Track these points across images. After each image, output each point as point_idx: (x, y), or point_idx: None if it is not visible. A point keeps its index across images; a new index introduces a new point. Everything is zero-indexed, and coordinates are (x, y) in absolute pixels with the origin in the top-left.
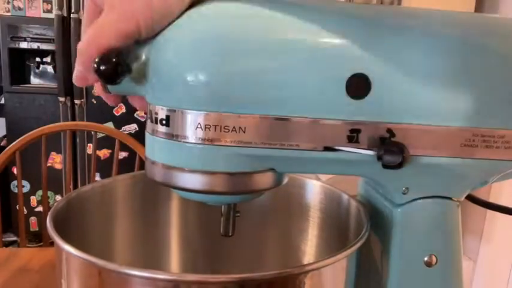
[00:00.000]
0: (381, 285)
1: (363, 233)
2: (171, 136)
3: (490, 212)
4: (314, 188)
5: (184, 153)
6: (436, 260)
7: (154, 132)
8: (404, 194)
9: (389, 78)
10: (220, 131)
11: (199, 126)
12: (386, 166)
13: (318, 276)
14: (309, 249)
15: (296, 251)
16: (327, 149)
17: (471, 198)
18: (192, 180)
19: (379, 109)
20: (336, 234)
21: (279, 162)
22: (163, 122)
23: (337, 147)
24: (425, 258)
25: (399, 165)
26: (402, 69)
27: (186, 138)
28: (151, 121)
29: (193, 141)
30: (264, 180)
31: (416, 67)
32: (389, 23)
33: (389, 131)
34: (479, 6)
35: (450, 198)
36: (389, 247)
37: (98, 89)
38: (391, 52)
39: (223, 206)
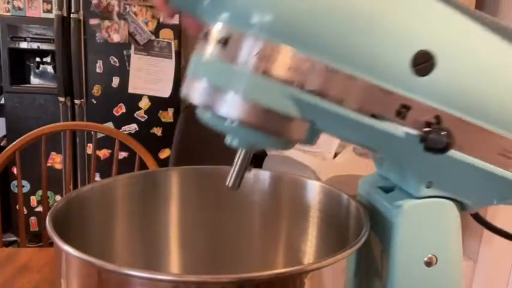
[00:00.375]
0: (380, 285)
1: (363, 233)
2: (225, 58)
3: (490, 213)
4: (314, 188)
5: (234, 76)
6: (436, 260)
7: (207, 52)
8: (427, 187)
9: (453, 63)
10: (276, 64)
11: (256, 53)
12: (428, 148)
13: (317, 277)
14: (309, 249)
15: (296, 251)
16: (374, 116)
17: (475, 215)
18: (232, 106)
19: (435, 92)
20: (336, 234)
21: (322, 115)
22: (221, 43)
23: (383, 117)
24: (425, 259)
25: (442, 150)
26: (468, 59)
27: (239, 62)
28: (206, 41)
29: (247, 67)
30: (299, 130)
31: (483, 61)
32: (467, 11)
33: (437, 117)
34: (479, 6)
35: (465, 209)
36: (389, 247)
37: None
38: (463, 41)
39: (240, 152)
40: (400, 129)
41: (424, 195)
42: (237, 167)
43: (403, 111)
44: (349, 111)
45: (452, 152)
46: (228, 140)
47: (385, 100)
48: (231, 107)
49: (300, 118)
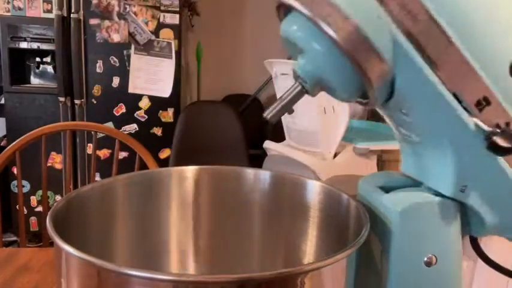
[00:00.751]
0: (380, 285)
1: (363, 233)
2: None
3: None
4: (314, 188)
5: None
6: (436, 260)
7: None
8: (461, 191)
9: None
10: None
11: None
12: (493, 145)
13: (317, 277)
14: (309, 249)
15: (296, 251)
16: (454, 96)
17: (473, 241)
18: (334, 23)
19: None
20: (336, 234)
21: (408, 70)
22: None
23: (461, 101)
24: (425, 258)
25: (507, 150)
26: None
27: None
28: None
29: None
30: (380, 76)
31: None
32: None
33: (507, 123)
34: None
35: (475, 229)
36: (389, 247)
37: None
38: None
39: (294, 87)
40: (472, 120)
41: (454, 196)
42: (285, 102)
43: (482, 104)
44: (436, 78)
45: (503, 162)
46: (300, 63)
47: (473, 84)
48: (332, 24)
49: (388, 64)
